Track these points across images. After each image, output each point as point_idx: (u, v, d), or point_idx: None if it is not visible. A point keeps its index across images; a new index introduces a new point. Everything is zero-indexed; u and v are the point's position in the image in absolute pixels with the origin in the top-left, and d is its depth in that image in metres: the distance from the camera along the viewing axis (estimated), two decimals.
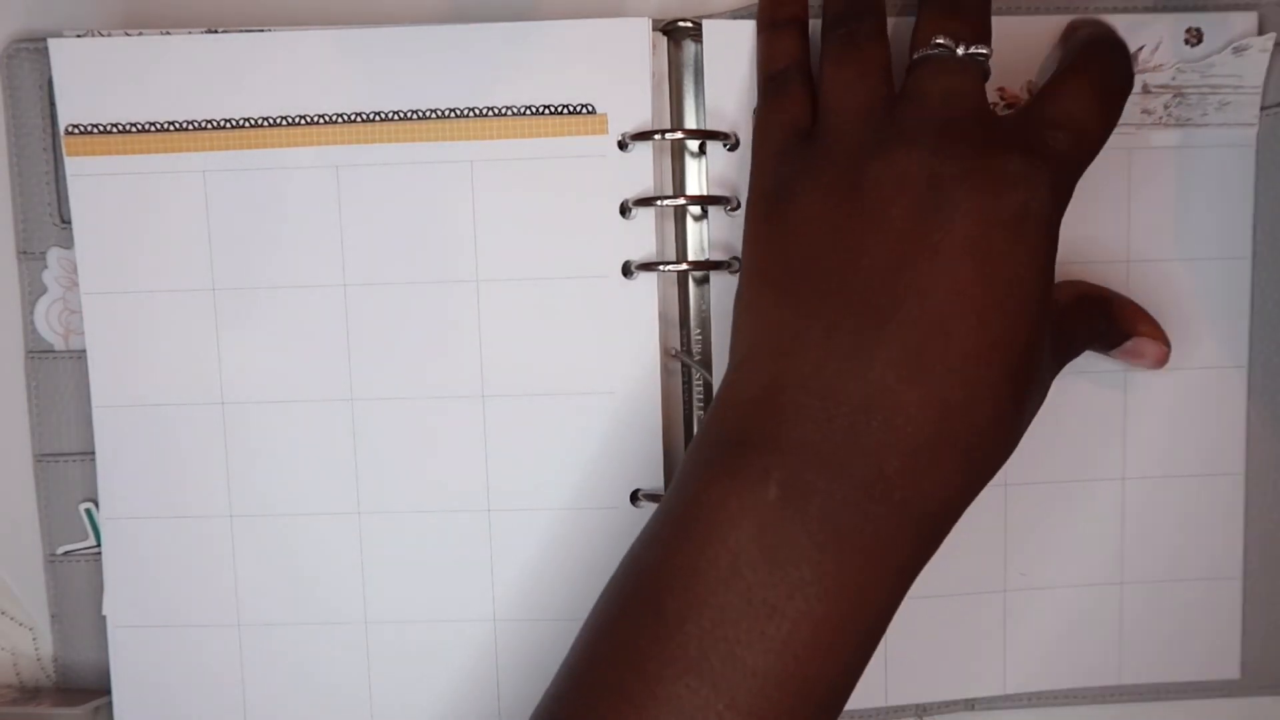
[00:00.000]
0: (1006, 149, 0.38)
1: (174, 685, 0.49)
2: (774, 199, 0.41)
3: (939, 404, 0.36)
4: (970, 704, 0.51)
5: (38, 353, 0.49)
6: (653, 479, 0.48)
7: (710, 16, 0.47)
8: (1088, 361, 0.48)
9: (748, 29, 0.47)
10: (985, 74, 0.41)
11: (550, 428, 0.48)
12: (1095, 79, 0.41)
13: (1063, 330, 0.43)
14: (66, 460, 0.50)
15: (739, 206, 0.47)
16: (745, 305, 0.41)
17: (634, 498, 0.48)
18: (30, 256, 0.49)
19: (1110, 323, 0.46)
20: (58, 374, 0.49)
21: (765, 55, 0.45)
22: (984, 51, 0.40)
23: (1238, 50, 0.47)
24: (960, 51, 0.40)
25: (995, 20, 0.46)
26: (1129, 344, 0.46)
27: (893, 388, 0.37)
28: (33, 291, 0.49)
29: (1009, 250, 0.37)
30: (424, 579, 0.48)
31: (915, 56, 0.40)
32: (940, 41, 0.40)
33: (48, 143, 0.48)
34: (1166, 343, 0.46)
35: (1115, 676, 0.51)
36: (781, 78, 0.44)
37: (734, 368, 0.40)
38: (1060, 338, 0.43)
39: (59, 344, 0.49)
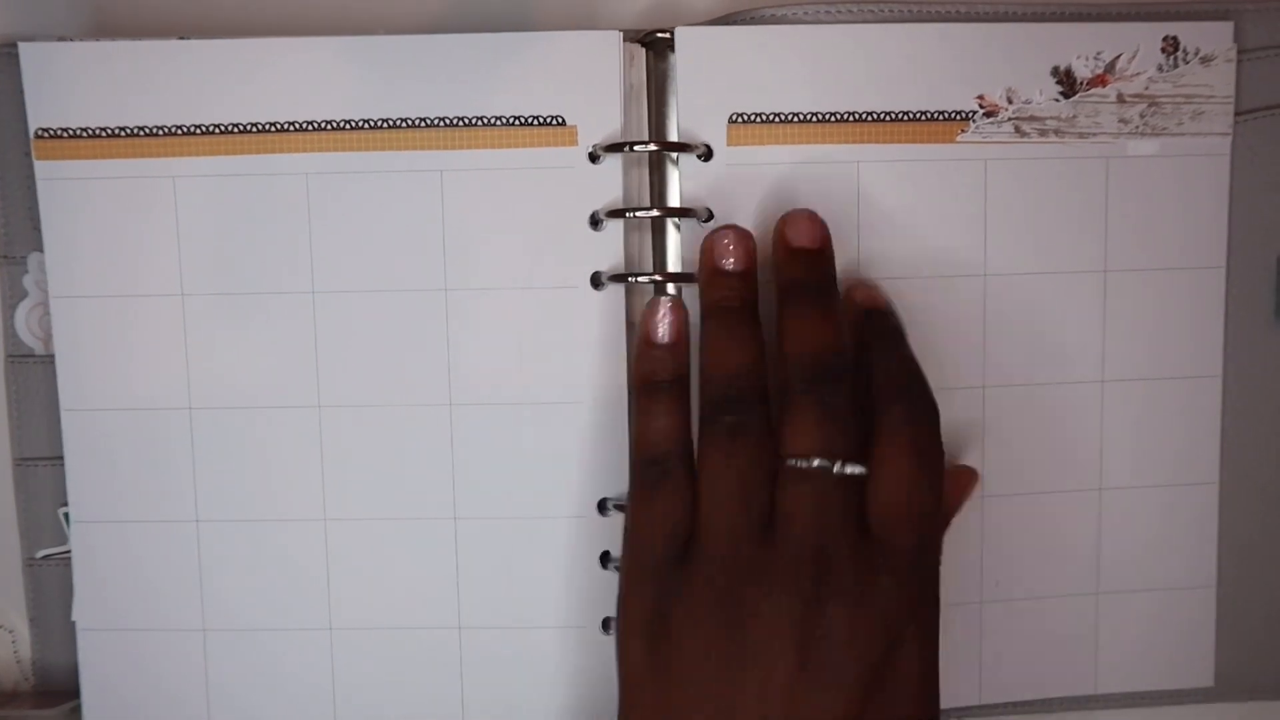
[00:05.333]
0: (873, 591, 0.38)
1: (141, 689, 0.49)
2: (654, 637, 0.40)
3: None
4: (945, 714, 0.51)
5: (18, 357, 0.50)
6: (620, 488, 0.48)
7: (689, 26, 0.47)
8: (1062, 371, 0.49)
9: (722, 37, 0.47)
10: (861, 488, 0.40)
11: (518, 436, 0.48)
12: (908, 458, 0.39)
13: None
14: (45, 464, 0.50)
15: (710, 218, 0.47)
16: None
17: (601, 506, 0.48)
18: (10, 261, 0.49)
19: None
20: (37, 378, 0.50)
21: (643, 430, 0.42)
22: (861, 471, 0.39)
23: (1205, 60, 0.47)
24: (836, 470, 0.39)
25: (976, 27, 0.47)
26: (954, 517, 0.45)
27: None
28: (13, 296, 0.49)
29: (897, 708, 0.38)
30: (390, 586, 0.49)
31: (791, 464, 0.39)
32: (819, 464, 0.39)
33: (28, 147, 0.48)
34: (969, 482, 0.47)
35: (1091, 686, 0.51)
36: (662, 465, 0.41)
37: None
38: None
39: (39, 348, 0.50)
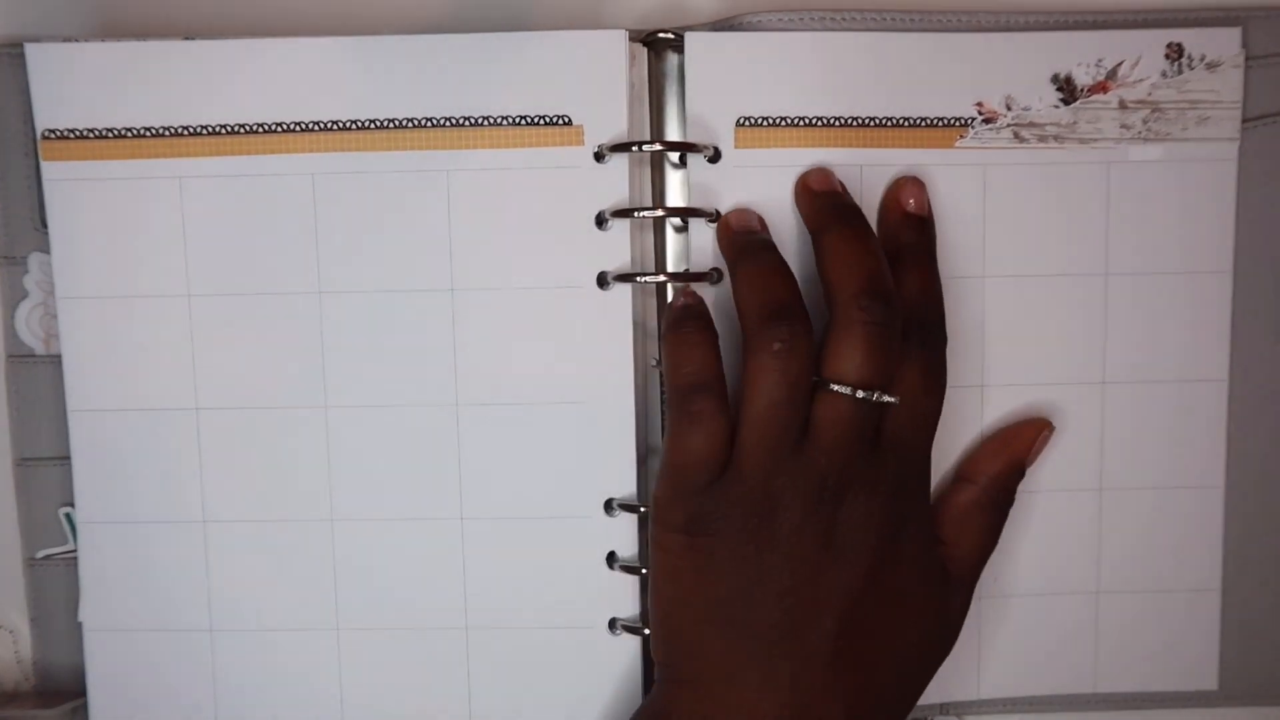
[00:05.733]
0: (882, 487, 0.44)
1: (148, 688, 0.49)
2: (693, 533, 0.43)
3: None
4: (944, 708, 0.51)
5: (18, 357, 0.50)
6: (626, 488, 0.48)
7: (691, 28, 0.47)
8: (1063, 371, 0.49)
9: (730, 41, 0.47)
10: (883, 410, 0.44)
11: (524, 436, 0.48)
12: (918, 382, 0.44)
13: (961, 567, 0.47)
14: (46, 464, 0.50)
15: (718, 219, 0.47)
16: (680, 635, 0.44)
17: (608, 506, 0.48)
18: (11, 261, 0.49)
19: (999, 501, 0.48)
20: (38, 378, 0.50)
21: (678, 364, 0.44)
22: (893, 400, 0.43)
23: (1211, 66, 0.47)
24: (874, 399, 0.43)
25: (974, 36, 0.47)
26: (1030, 466, 0.49)
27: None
28: (13, 296, 0.49)
29: (902, 582, 0.45)
30: (396, 586, 0.49)
31: (834, 389, 0.42)
32: (861, 395, 0.42)
33: (29, 147, 0.48)
34: (1039, 429, 0.49)
35: (1091, 685, 0.51)
36: (699, 392, 0.43)
37: (671, 679, 0.45)
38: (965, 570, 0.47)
39: (39, 348, 0.50)
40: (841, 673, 0.43)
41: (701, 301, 0.45)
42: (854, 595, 0.43)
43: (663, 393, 0.49)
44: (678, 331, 0.44)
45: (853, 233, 0.44)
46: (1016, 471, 0.48)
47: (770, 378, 0.42)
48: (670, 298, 0.47)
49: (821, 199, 0.46)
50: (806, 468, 0.43)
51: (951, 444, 0.49)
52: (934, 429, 0.45)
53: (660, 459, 0.45)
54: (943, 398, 0.45)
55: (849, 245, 0.44)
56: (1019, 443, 0.48)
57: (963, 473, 0.48)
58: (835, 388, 0.42)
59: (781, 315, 0.43)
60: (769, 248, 0.45)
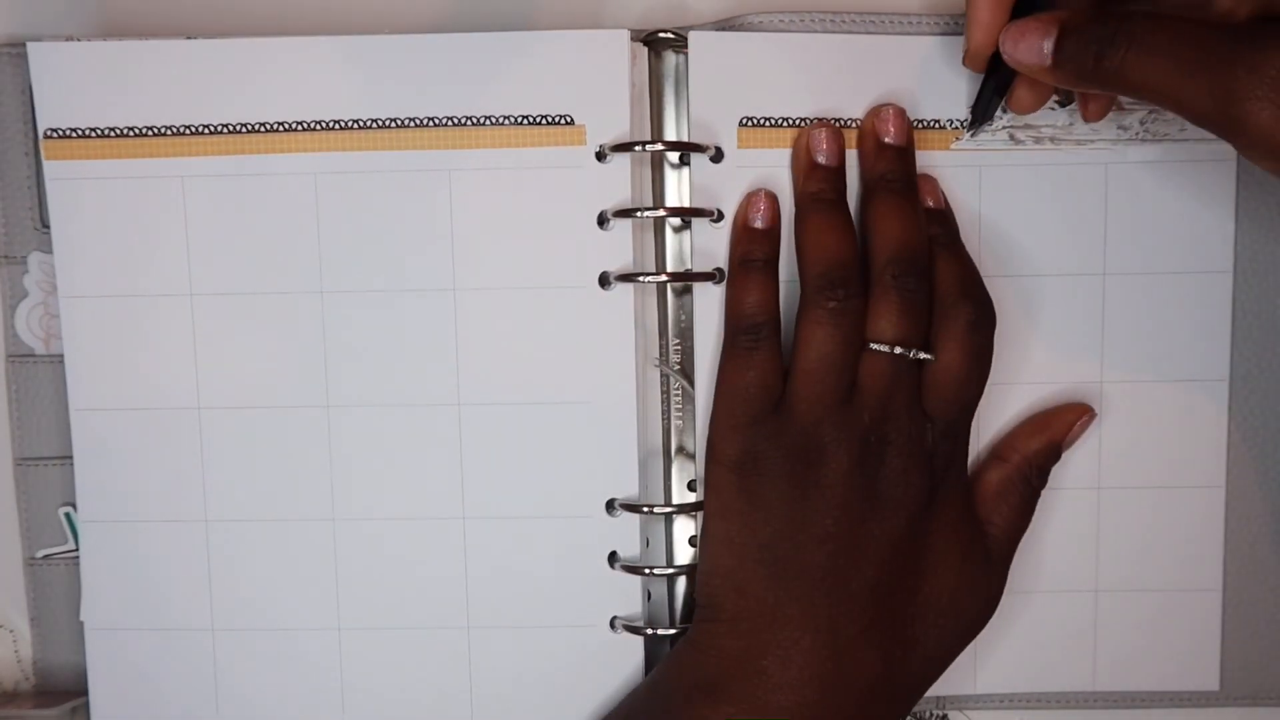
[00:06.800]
0: (920, 446, 0.46)
1: (150, 688, 0.49)
2: (743, 472, 0.45)
3: (910, 687, 0.47)
4: (939, 701, 0.51)
5: (18, 357, 0.50)
6: (628, 488, 0.48)
7: (694, 28, 0.47)
8: (1062, 371, 0.49)
9: (734, 41, 0.47)
10: (921, 365, 0.46)
11: (526, 436, 0.48)
12: (963, 355, 0.46)
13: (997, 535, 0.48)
14: (46, 464, 0.50)
15: (721, 219, 0.47)
16: (727, 572, 0.46)
17: (609, 506, 0.48)
18: (11, 261, 0.49)
19: (1031, 481, 0.49)
20: (38, 378, 0.50)
21: (739, 301, 0.46)
22: (930, 357, 0.45)
23: None
24: (911, 355, 0.45)
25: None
26: (1067, 450, 0.49)
27: (861, 667, 0.45)
28: (14, 296, 0.49)
29: (940, 544, 0.46)
30: (398, 585, 0.49)
31: (874, 348, 0.45)
32: (899, 352, 0.44)
33: (29, 147, 0.48)
34: (1080, 413, 0.49)
35: (1090, 683, 0.51)
36: (756, 333, 0.46)
37: (713, 619, 0.45)
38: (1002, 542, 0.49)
39: (40, 348, 0.50)
40: (880, 621, 0.45)
41: (768, 240, 0.47)
42: (893, 546, 0.45)
43: (664, 392, 0.49)
44: (744, 273, 0.46)
45: (898, 210, 0.46)
46: (1053, 452, 0.49)
47: (824, 331, 0.45)
48: (738, 215, 0.48)
49: (881, 158, 0.47)
50: (852, 420, 0.45)
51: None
52: (973, 404, 0.47)
53: (714, 395, 0.47)
54: (984, 373, 0.46)
55: (892, 222, 0.46)
56: (1058, 424, 0.49)
57: (998, 451, 0.49)
58: (874, 346, 0.45)
59: (839, 276, 0.45)
60: (832, 200, 0.46)
